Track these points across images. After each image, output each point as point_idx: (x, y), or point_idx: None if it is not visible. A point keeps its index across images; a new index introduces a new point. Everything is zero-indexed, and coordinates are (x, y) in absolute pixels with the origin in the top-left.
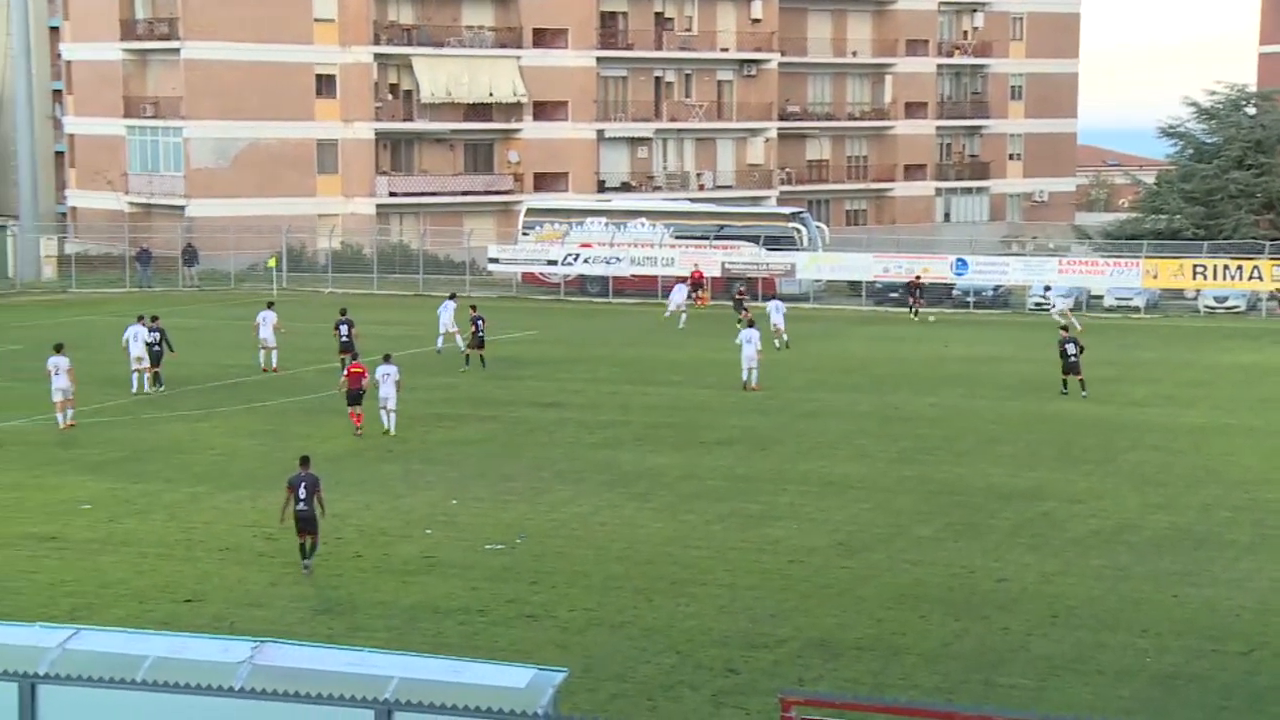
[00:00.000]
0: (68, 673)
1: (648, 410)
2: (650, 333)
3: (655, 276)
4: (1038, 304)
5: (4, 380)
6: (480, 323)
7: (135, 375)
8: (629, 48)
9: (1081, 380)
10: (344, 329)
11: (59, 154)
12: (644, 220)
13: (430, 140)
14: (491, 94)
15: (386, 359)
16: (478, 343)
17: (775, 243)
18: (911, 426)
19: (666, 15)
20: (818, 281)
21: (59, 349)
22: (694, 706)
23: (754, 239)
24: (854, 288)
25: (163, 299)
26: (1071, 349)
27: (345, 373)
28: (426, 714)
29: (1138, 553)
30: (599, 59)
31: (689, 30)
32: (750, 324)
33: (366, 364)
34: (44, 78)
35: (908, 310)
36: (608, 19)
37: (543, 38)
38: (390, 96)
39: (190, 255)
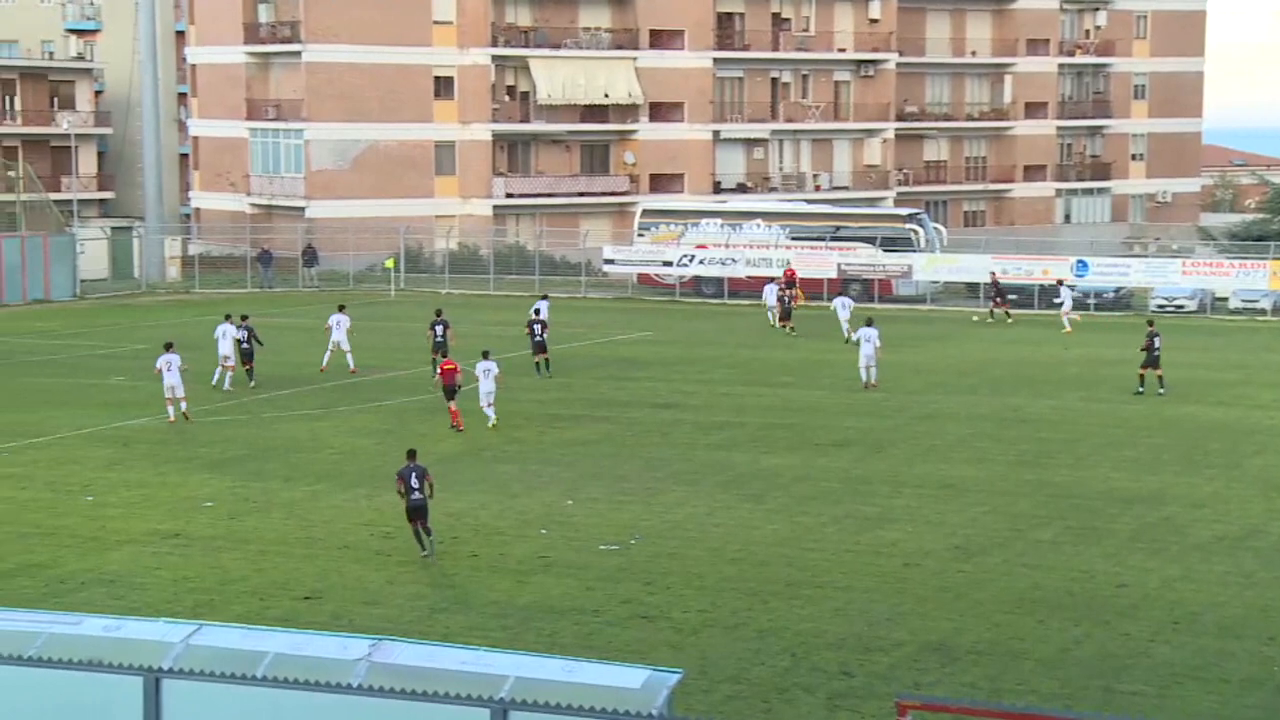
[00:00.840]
0: (191, 668)
1: (762, 411)
2: (764, 334)
3: (770, 278)
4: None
5: (131, 379)
6: (538, 329)
7: (219, 371)
8: (745, 49)
9: (1160, 376)
10: (439, 329)
11: (183, 156)
12: (760, 221)
13: (547, 141)
14: (608, 95)
15: (485, 355)
16: (537, 348)
17: (892, 244)
18: (1031, 429)
19: (783, 16)
20: (935, 283)
21: (169, 347)
22: (809, 709)
23: (870, 240)
24: (972, 289)
25: (283, 299)
26: (1159, 343)
27: (439, 371)
28: (542, 713)
29: (1264, 559)
30: (715, 60)
31: (806, 31)
32: (869, 322)
33: (464, 363)
34: (170, 81)
35: (988, 312)
36: (724, 20)
37: (659, 39)
38: (507, 98)
39: (311, 256)
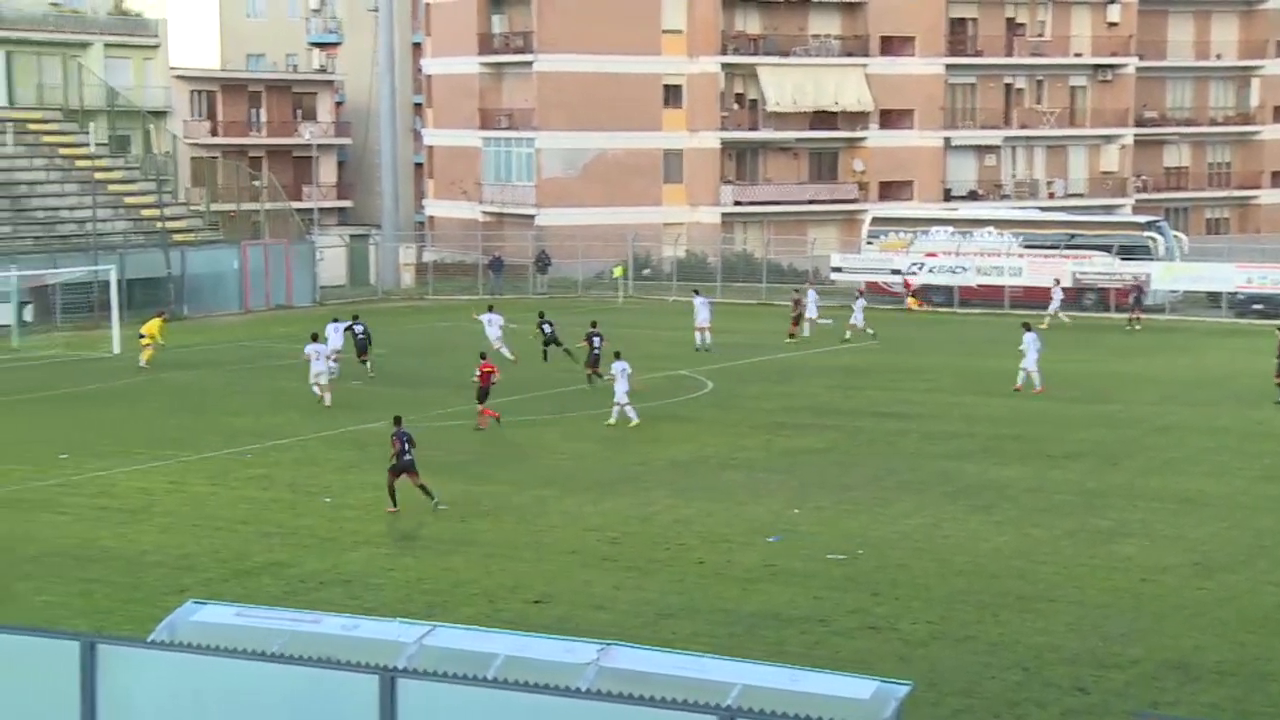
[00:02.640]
0: (425, 668)
1: (991, 421)
2: (994, 343)
3: (1002, 286)
4: None
5: (366, 384)
6: (597, 341)
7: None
8: (978, 54)
9: None
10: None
11: (418, 165)
12: (991, 229)
13: (775, 149)
14: (837, 102)
15: (618, 356)
16: (593, 361)
17: (1129, 252)
18: (1277, 443)
19: (1018, 21)
20: (1174, 292)
21: (315, 338)
22: None
23: (1106, 248)
24: (1213, 299)
25: (513, 304)
26: None
27: (479, 372)
28: None
29: None
30: (947, 66)
31: (1041, 35)
32: (1026, 327)
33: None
34: (406, 92)
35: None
36: (956, 25)
37: (890, 45)
38: (736, 106)
39: (543, 262)
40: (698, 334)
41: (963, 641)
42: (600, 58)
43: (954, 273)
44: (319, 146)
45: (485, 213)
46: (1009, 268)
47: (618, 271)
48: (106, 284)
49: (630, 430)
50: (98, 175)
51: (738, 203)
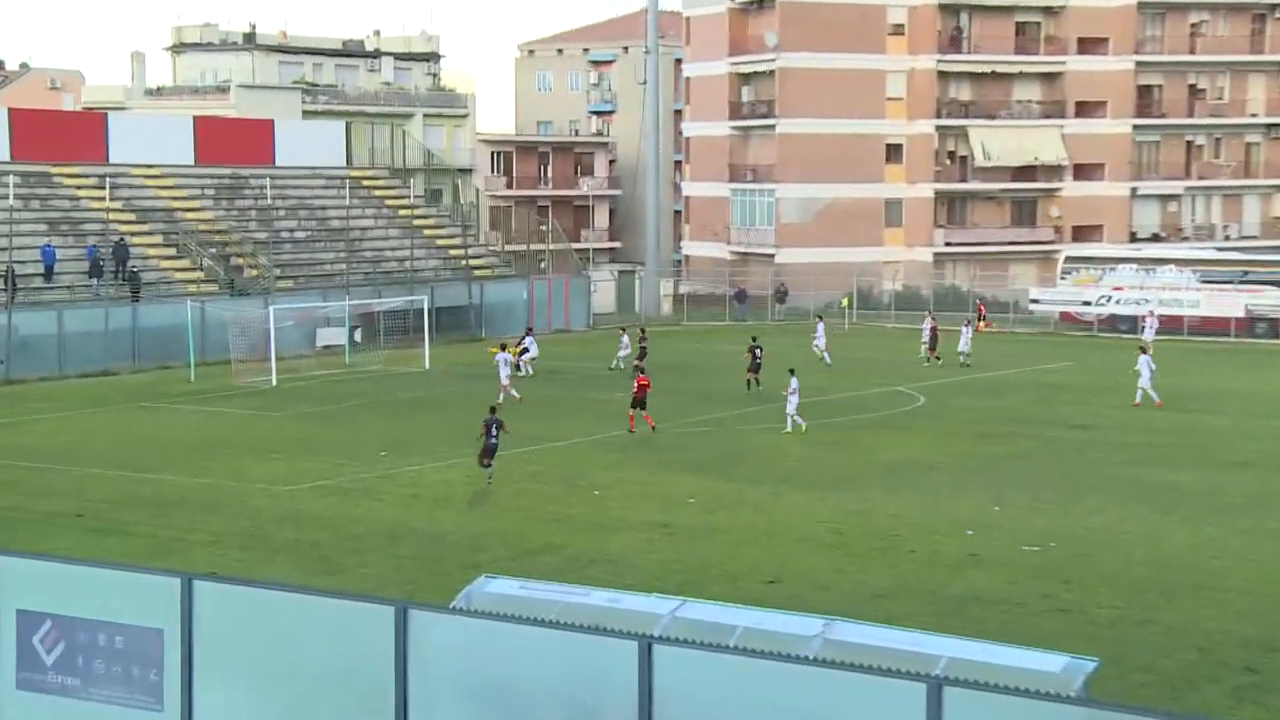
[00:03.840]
0: (676, 636)
1: (1171, 433)
2: (1175, 364)
3: (1181, 316)
4: None
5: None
6: (759, 352)
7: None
8: (1162, 116)
9: None
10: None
11: (677, 212)
12: (1172, 267)
13: (982, 198)
14: (1037, 158)
15: (791, 373)
16: (756, 368)
17: None
18: None
19: (1199, 87)
20: None
21: (504, 348)
22: (1214, 699)
23: (1276, 283)
24: None
25: (753, 330)
26: None
27: (636, 383)
28: (973, 690)
29: None
30: (1135, 126)
31: (1219, 99)
32: (1143, 350)
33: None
34: (668, 151)
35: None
36: (1144, 91)
37: (1084, 108)
38: (948, 161)
39: (782, 294)
40: (825, 353)
41: (1143, 624)
42: (832, 121)
43: (1138, 304)
44: (595, 197)
45: (732, 252)
46: (1187, 300)
47: (845, 302)
48: (421, 311)
49: (849, 435)
50: (416, 222)
51: (948, 243)
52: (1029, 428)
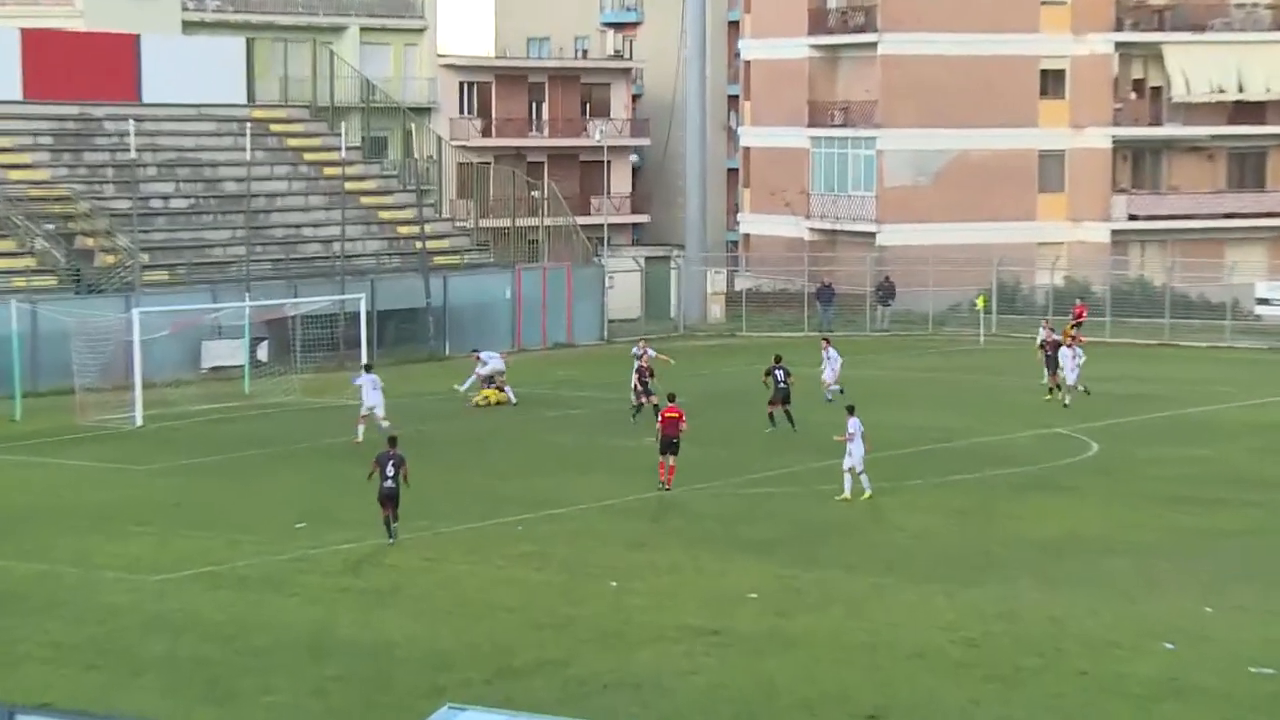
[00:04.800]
0: None
1: None
2: None
3: None
4: None
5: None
6: (783, 375)
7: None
8: None
9: None
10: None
11: (731, 171)
12: None
13: (1182, 149)
14: (1268, 89)
15: (851, 411)
16: (782, 397)
17: None
18: None
19: None
20: None
21: (368, 369)
22: None
23: None
24: None
25: (845, 345)
26: None
27: (660, 419)
28: None
29: None
30: None
31: None
32: None
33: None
34: (718, 81)
35: None
36: None
37: None
38: (1133, 95)
39: (885, 292)
40: (831, 386)
41: None
42: (960, 37)
43: None
44: (611, 149)
45: (813, 230)
46: None
47: (979, 303)
48: (355, 316)
49: (985, 500)
50: (349, 186)
51: (1133, 217)
52: (1252, 491)
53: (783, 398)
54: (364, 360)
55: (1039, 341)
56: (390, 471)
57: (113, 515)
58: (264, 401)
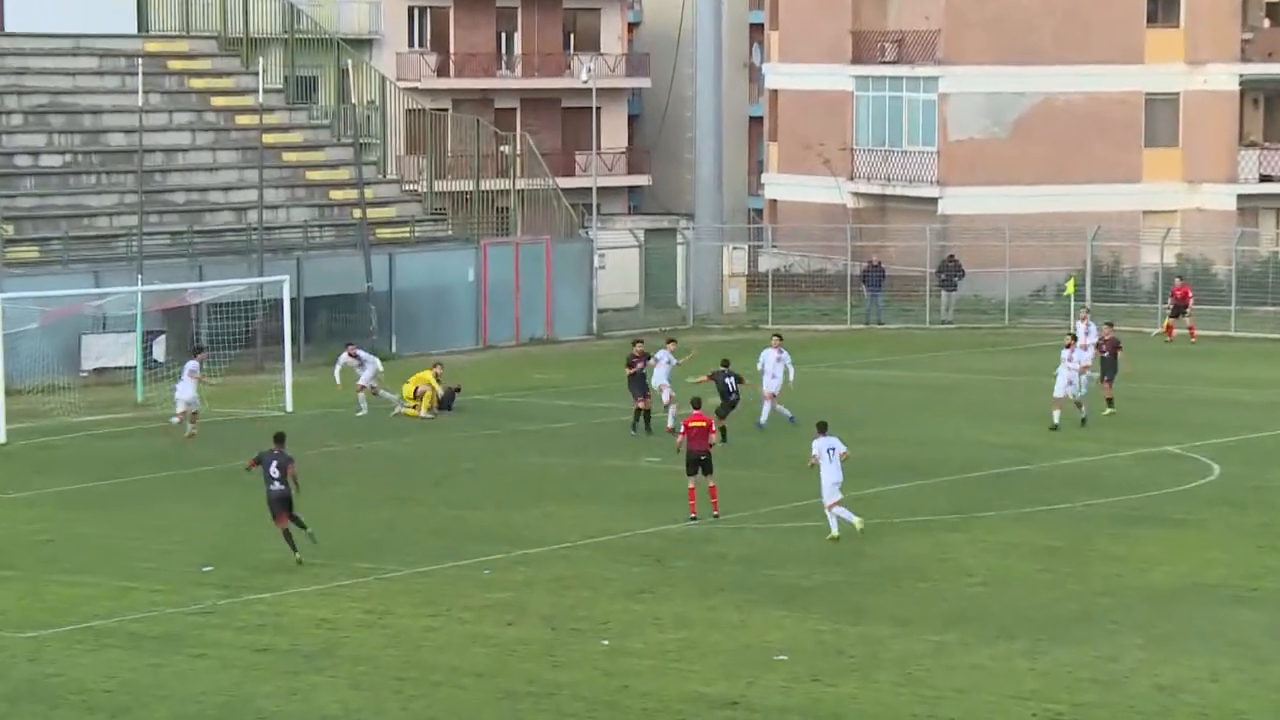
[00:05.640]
0: None
1: None
2: None
3: None
4: None
5: (669, 461)
6: (731, 382)
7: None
8: None
9: None
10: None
11: (753, 121)
12: None
13: None
14: None
15: (822, 430)
16: (726, 409)
17: None
18: None
19: None
20: None
21: (197, 352)
22: None
23: None
24: None
25: (897, 341)
26: None
27: (683, 429)
28: None
29: None
30: None
31: None
32: None
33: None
34: (738, 7)
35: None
36: None
37: None
38: (1266, 22)
39: (950, 274)
40: (773, 404)
41: None
42: None
43: None
44: (601, 92)
45: (857, 194)
46: None
47: (1069, 287)
48: (277, 304)
49: (1077, 537)
50: (267, 138)
51: (1266, 178)
52: None
53: (728, 407)
54: (286, 358)
55: (1094, 340)
56: (275, 473)
57: None
58: (161, 412)
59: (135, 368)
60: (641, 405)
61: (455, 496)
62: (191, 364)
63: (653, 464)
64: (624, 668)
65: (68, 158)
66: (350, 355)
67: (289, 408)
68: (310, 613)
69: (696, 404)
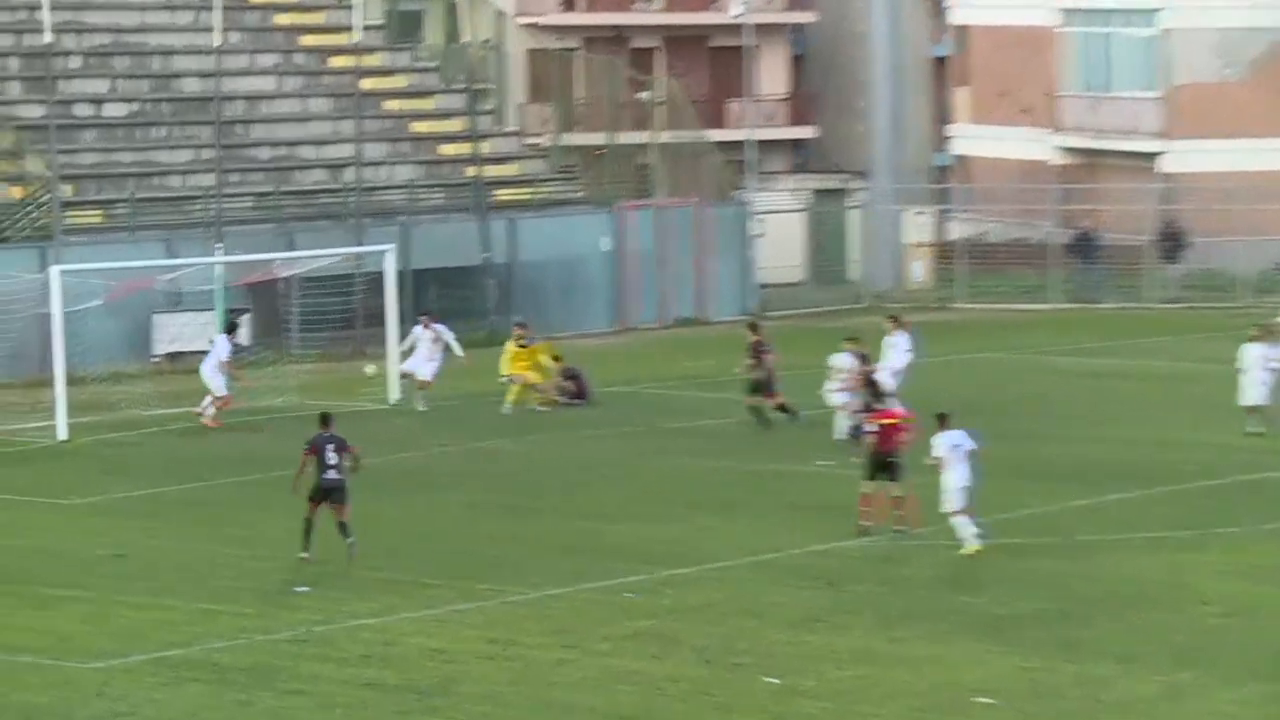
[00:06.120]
0: None
1: None
2: None
3: None
4: None
5: (844, 464)
6: (766, 354)
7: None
8: None
9: None
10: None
11: (938, 62)
12: None
13: None
14: None
15: (943, 420)
16: (762, 386)
17: None
18: None
19: None
20: None
21: (230, 329)
22: None
23: None
24: None
25: (1115, 322)
26: None
27: (878, 428)
28: None
29: None
30: None
31: None
32: None
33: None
34: None
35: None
36: None
37: None
38: None
39: (1174, 243)
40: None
41: None
42: None
43: None
44: (759, 29)
45: (1064, 149)
46: None
47: None
48: (379, 278)
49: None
50: (365, 84)
51: None
52: None
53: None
54: (390, 342)
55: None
56: (332, 458)
57: (26, 573)
58: (247, 405)
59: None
60: (769, 402)
61: (590, 506)
62: (221, 343)
63: (826, 468)
64: (796, 710)
65: (134, 107)
66: (426, 327)
67: (394, 396)
68: (423, 642)
69: (874, 398)
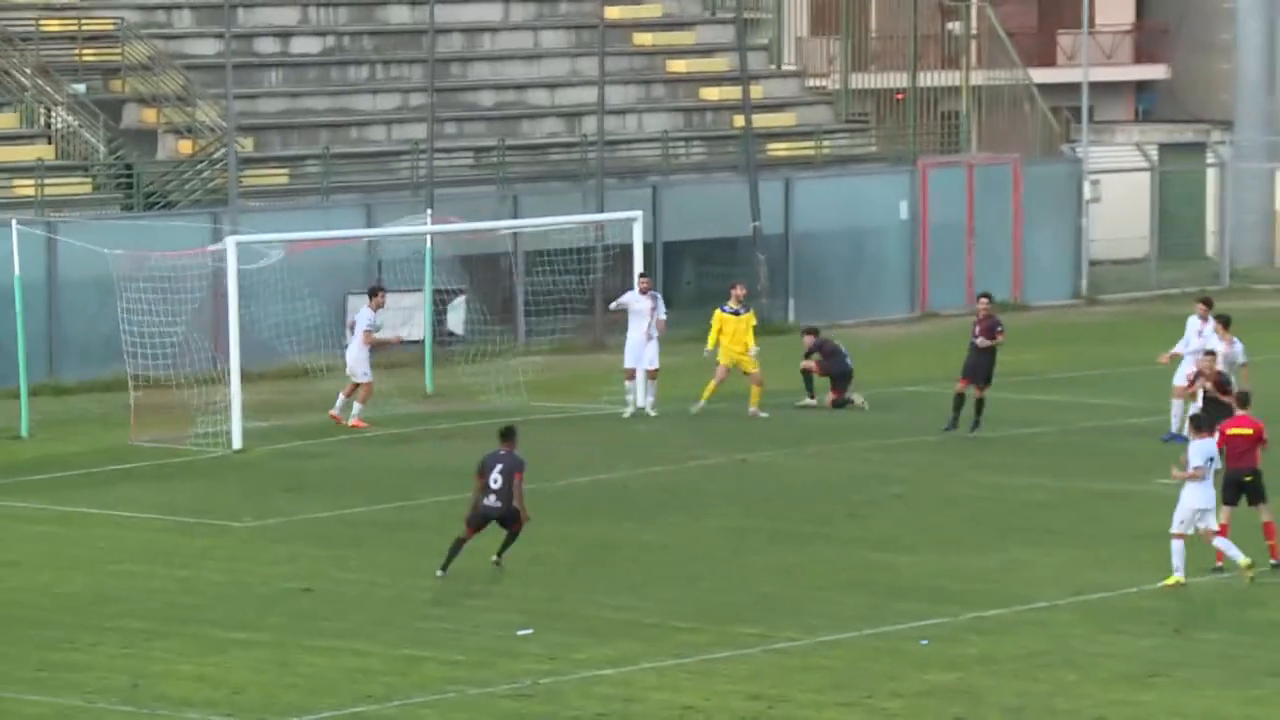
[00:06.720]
0: None
1: None
2: None
3: None
4: None
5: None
6: (845, 359)
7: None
8: None
9: None
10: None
11: None
12: None
13: None
14: None
15: (1199, 425)
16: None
17: None
18: None
19: None
20: None
21: (373, 294)
22: None
23: None
24: None
25: None
26: None
27: (1219, 437)
28: None
29: None
30: None
31: None
32: None
33: None
34: None
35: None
36: None
37: None
38: None
39: None
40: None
41: None
42: None
43: None
44: None
45: None
46: None
47: None
48: (625, 251)
49: None
50: (610, 12)
51: None
52: None
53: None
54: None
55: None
56: (496, 481)
57: (191, 612)
58: (460, 407)
59: (423, 342)
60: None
61: (878, 533)
62: (365, 314)
63: (1166, 487)
64: None
65: (329, 41)
66: (644, 292)
67: (636, 402)
68: (670, 697)
69: (1242, 401)
